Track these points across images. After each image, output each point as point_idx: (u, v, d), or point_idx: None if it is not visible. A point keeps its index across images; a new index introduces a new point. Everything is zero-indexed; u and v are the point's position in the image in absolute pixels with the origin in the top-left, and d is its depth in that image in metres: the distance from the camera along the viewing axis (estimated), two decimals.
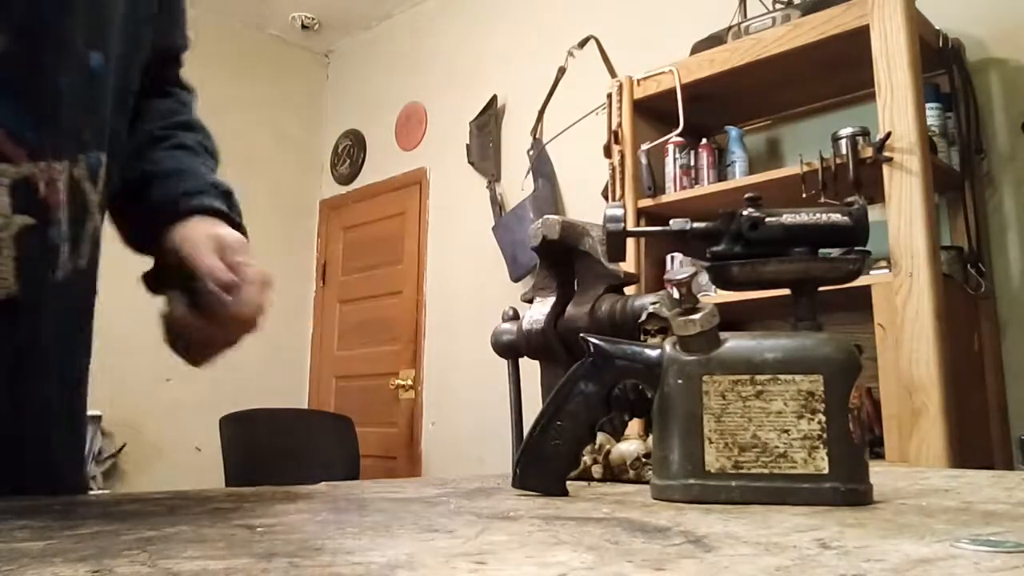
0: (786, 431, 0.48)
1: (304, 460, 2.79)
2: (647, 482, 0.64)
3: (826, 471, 0.47)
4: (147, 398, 3.54)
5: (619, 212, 0.63)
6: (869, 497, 0.48)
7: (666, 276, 0.53)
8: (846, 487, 0.47)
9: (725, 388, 0.48)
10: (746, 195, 0.54)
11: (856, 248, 0.57)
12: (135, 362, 3.00)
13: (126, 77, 0.69)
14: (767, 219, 0.52)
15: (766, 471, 0.47)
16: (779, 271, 0.53)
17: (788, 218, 0.53)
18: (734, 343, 0.50)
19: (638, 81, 2.45)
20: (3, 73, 0.57)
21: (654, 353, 0.52)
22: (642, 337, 0.75)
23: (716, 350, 0.49)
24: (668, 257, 2.40)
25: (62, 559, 0.29)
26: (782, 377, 0.48)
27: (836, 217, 0.54)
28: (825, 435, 0.48)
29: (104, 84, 0.65)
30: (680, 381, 0.50)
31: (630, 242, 2.44)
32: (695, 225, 0.56)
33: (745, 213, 0.53)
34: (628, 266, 1.86)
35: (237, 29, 4.14)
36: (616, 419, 0.76)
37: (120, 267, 0.81)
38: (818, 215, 0.54)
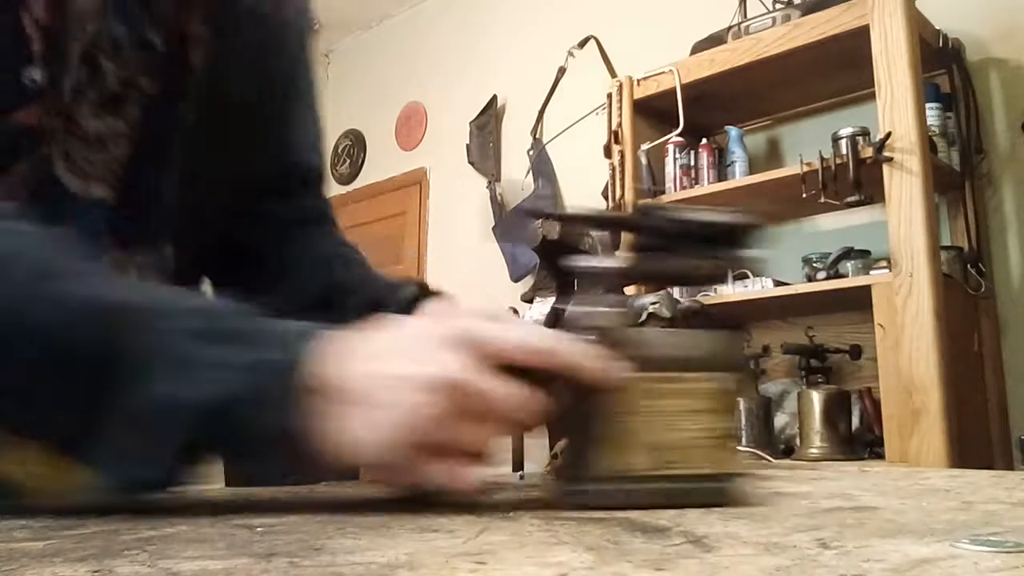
0: (693, 430, 0.46)
1: None
2: None
3: (727, 469, 0.47)
4: None
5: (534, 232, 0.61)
6: (746, 494, 0.48)
7: (585, 263, 0.47)
8: (737, 486, 0.47)
9: (642, 386, 0.46)
10: (650, 188, 0.54)
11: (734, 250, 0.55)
12: None
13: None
14: (674, 215, 0.51)
15: (675, 472, 0.46)
16: (682, 267, 0.52)
17: (691, 215, 0.51)
18: (644, 337, 0.48)
19: (638, 81, 2.45)
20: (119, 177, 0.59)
21: None
22: None
23: (631, 345, 0.46)
24: None
25: (62, 559, 0.29)
26: (690, 375, 0.47)
27: (724, 217, 0.53)
28: (725, 433, 0.47)
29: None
30: None
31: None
32: (607, 213, 0.54)
33: (656, 206, 0.51)
34: None
35: None
36: None
37: None
38: (710, 213, 0.52)
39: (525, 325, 0.55)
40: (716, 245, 0.53)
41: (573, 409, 0.45)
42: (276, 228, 0.75)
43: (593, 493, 0.44)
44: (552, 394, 0.44)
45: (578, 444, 0.45)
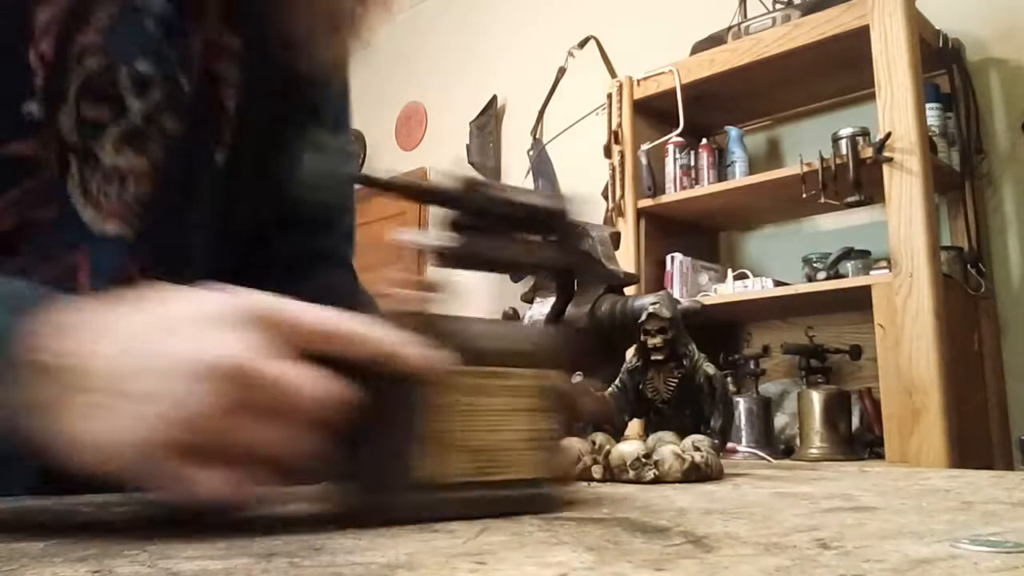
0: (507, 431, 0.42)
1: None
2: (647, 482, 0.64)
3: (538, 475, 0.43)
4: None
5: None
6: (560, 502, 0.44)
7: (406, 236, 0.42)
8: (556, 491, 0.43)
9: (458, 382, 0.40)
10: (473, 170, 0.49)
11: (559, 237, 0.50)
12: None
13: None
14: (503, 195, 0.45)
15: (486, 478, 0.41)
16: (515, 252, 0.47)
17: (515, 195, 0.46)
18: (458, 327, 0.42)
19: (638, 81, 2.46)
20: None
21: None
22: (642, 338, 0.75)
23: (449, 335, 0.40)
24: (668, 257, 2.40)
25: (62, 559, 0.29)
26: (507, 371, 0.42)
27: (548, 202, 0.48)
28: (542, 435, 0.43)
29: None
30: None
31: (629, 242, 2.45)
32: (433, 184, 0.45)
33: (482, 182, 0.45)
34: (628, 266, 1.86)
35: None
36: (616, 419, 0.76)
37: None
38: (536, 197, 0.47)
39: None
40: (544, 231, 0.49)
41: (384, 405, 0.38)
42: (279, 264, 0.74)
43: (402, 503, 0.38)
44: (362, 387, 0.36)
45: (386, 446, 0.38)
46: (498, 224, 0.46)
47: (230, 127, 0.64)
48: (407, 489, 0.38)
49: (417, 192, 0.45)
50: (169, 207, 0.61)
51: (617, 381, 0.76)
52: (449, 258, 0.41)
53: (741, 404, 2.17)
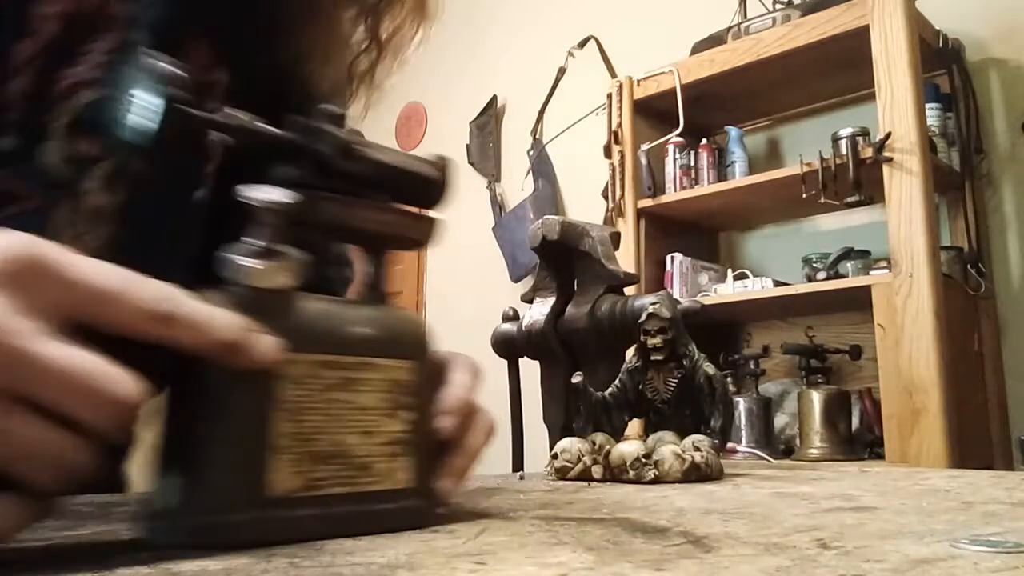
0: (370, 433, 0.35)
1: None
2: (647, 482, 0.64)
3: (410, 485, 0.37)
4: None
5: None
6: (432, 516, 0.38)
7: (253, 194, 0.34)
8: (427, 504, 0.38)
9: (307, 373, 0.33)
10: (324, 109, 0.37)
11: (431, 212, 0.43)
12: None
13: None
14: (358, 148, 0.38)
15: (345, 490, 0.34)
16: (371, 219, 0.39)
17: (381, 154, 0.39)
18: (316, 307, 0.35)
19: (638, 81, 2.46)
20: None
21: None
22: (642, 338, 0.75)
23: (295, 317, 0.34)
24: (668, 257, 2.40)
25: (62, 559, 0.29)
26: (372, 361, 0.36)
27: (424, 167, 0.41)
28: (410, 438, 0.37)
29: None
30: None
31: (629, 242, 2.45)
32: (262, 125, 0.36)
33: (332, 131, 0.37)
34: (628, 266, 1.86)
35: None
36: (616, 419, 0.76)
37: None
38: (407, 160, 0.40)
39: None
40: (417, 201, 0.41)
41: (222, 406, 0.31)
42: None
43: (247, 524, 0.31)
44: (193, 383, 0.31)
45: (226, 456, 0.31)
46: (357, 186, 0.38)
47: (214, 163, 0.63)
48: (253, 507, 0.31)
49: (246, 134, 0.35)
50: (143, 246, 0.58)
51: (617, 381, 0.76)
52: (282, 217, 0.33)
53: (741, 404, 2.17)
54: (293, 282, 0.33)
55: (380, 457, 0.36)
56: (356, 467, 0.35)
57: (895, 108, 1.91)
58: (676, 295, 2.05)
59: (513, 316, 0.89)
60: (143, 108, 0.32)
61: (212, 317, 0.30)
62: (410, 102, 4.03)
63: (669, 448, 0.66)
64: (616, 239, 0.89)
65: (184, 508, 0.31)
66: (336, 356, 0.35)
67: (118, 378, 0.27)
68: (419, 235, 0.41)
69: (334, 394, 0.34)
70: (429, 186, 0.41)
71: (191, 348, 0.29)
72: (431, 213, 0.42)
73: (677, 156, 2.43)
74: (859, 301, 1.94)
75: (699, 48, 2.37)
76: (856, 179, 1.97)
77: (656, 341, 0.74)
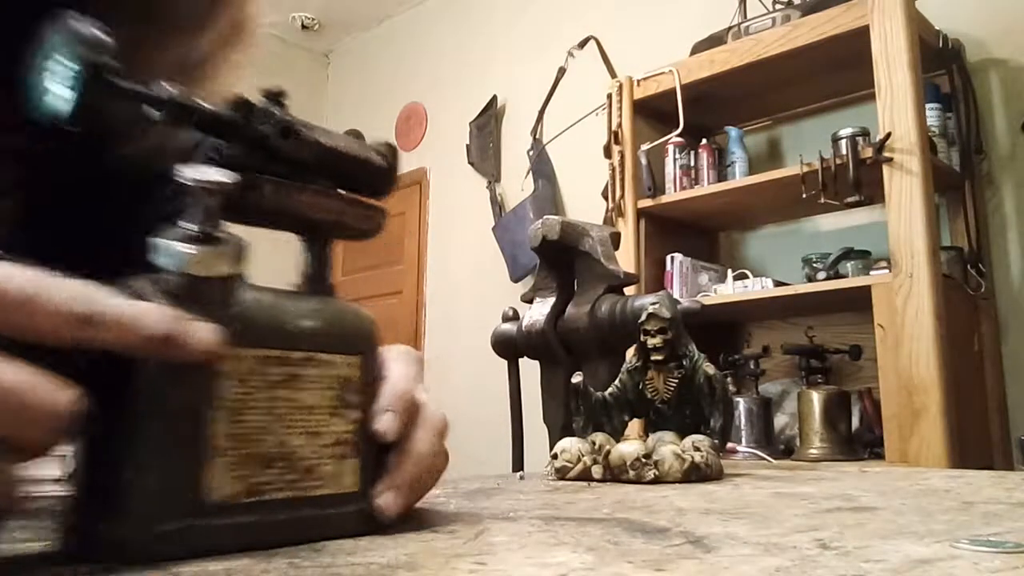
0: (316, 434, 0.33)
1: None
2: (647, 482, 0.64)
3: (355, 488, 0.34)
4: None
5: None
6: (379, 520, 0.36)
7: (190, 174, 0.29)
8: (369, 507, 0.35)
9: (249, 369, 0.31)
10: (267, 90, 0.35)
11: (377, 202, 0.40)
12: None
13: None
14: (302, 130, 0.35)
15: (290, 495, 0.32)
16: (315, 205, 0.36)
17: (324, 138, 0.36)
18: (258, 299, 0.33)
19: (638, 81, 2.46)
20: None
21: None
22: (642, 338, 0.75)
23: (235, 308, 0.31)
24: (668, 257, 2.40)
25: (63, 559, 0.29)
26: (319, 356, 0.34)
27: (370, 154, 0.38)
28: (357, 439, 0.35)
29: None
30: None
31: (629, 242, 2.45)
32: (199, 101, 0.32)
33: (273, 110, 0.34)
34: (628, 266, 1.86)
35: None
36: (616, 419, 0.76)
37: None
38: (354, 145, 0.38)
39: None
40: (360, 188, 0.38)
41: (125, 402, 0.28)
42: None
43: (183, 534, 0.29)
44: (83, 378, 0.27)
45: (129, 459, 0.28)
46: (300, 171, 0.36)
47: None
48: (188, 515, 0.29)
49: (180, 110, 0.31)
50: (55, 240, 0.49)
51: (617, 381, 0.76)
52: (221, 198, 0.30)
53: (741, 404, 2.17)
54: (234, 270, 0.31)
55: (326, 459, 0.34)
56: (301, 470, 0.33)
57: (895, 108, 1.91)
58: (676, 295, 2.05)
59: (513, 316, 0.89)
60: (59, 76, 0.29)
61: (137, 312, 0.27)
62: (410, 102, 4.03)
63: (669, 448, 0.66)
64: (616, 239, 0.89)
65: (110, 517, 0.28)
66: (280, 351, 0.32)
67: (49, 389, 0.25)
68: (365, 224, 0.39)
69: (277, 392, 0.32)
70: (376, 173, 0.39)
71: (118, 348, 0.27)
72: (378, 202, 0.39)
73: (677, 156, 2.43)
74: (859, 301, 1.94)
75: (699, 48, 2.37)
76: (856, 179, 1.97)
77: (656, 341, 0.74)
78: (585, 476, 0.67)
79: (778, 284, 2.17)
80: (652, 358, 0.74)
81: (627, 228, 2.37)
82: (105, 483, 0.28)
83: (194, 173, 0.30)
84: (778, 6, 2.28)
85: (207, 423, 0.30)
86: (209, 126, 0.33)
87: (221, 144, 0.33)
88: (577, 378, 0.76)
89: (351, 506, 0.34)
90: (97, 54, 0.28)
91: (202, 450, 0.29)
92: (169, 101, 0.31)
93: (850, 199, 1.99)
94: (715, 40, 2.33)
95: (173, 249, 0.29)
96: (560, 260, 0.87)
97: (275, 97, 0.35)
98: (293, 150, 0.35)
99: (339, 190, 0.37)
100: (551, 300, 0.86)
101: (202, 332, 0.29)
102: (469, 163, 3.60)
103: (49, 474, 0.31)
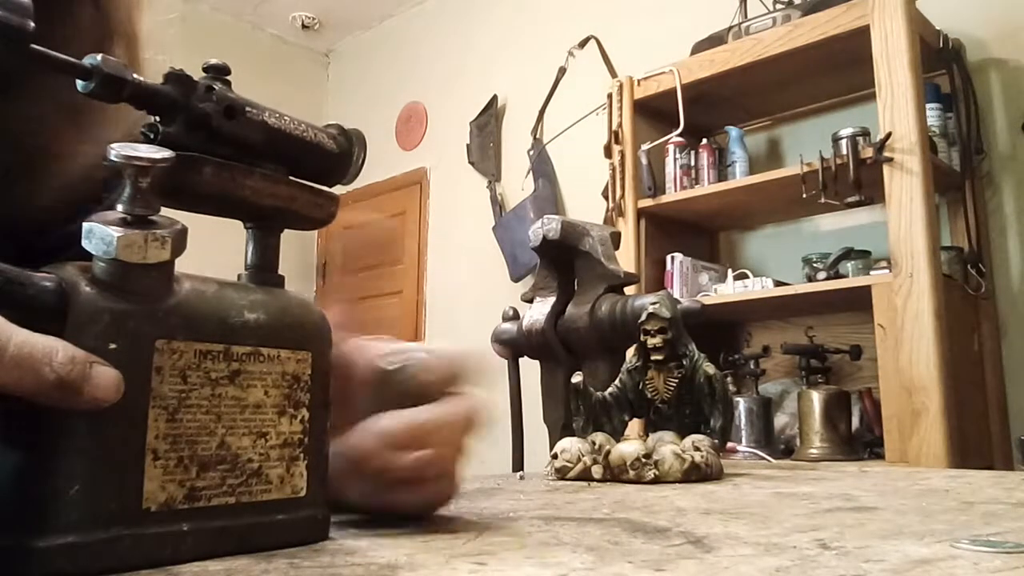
0: (263, 435, 0.31)
1: None
2: (647, 482, 0.64)
3: (304, 492, 0.32)
4: None
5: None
6: (327, 526, 0.34)
7: (120, 151, 0.28)
8: (323, 514, 0.33)
9: (189, 364, 0.29)
10: (207, 63, 0.32)
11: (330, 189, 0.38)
12: None
13: None
14: (249, 109, 0.33)
15: (233, 500, 0.30)
16: (261, 191, 0.33)
17: (273, 119, 0.34)
18: (198, 288, 0.30)
19: (638, 81, 2.46)
20: None
21: (49, 285, 0.27)
22: (642, 338, 0.75)
23: (173, 298, 0.29)
24: (668, 257, 2.40)
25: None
26: (265, 352, 0.31)
27: (323, 138, 0.36)
28: (307, 440, 0.33)
29: None
30: (113, 346, 0.27)
31: (630, 242, 2.45)
32: (136, 77, 0.29)
33: (217, 87, 0.32)
34: (628, 266, 1.86)
35: (237, 28, 4.14)
36: (616, 419, 0.76)
37: None
38: (305, 127, 0.35)
39: None
40: (306, 173, 0.36)
41: (30, 406, 0.25)
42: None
43: (120, 543, 0.26)
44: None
45: (55, 462, 0.26)
46: (247, 154, 0.33)
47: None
48: (122, 524, 0.26)
49: (111, 82, 0.28)
50: None
51: (617, 381, 0.76)
52: (154, 177, 0.28)
53: (741, 404, 2.17)
54: (170, 256, 0.28)
55: (274, 462, 0.31)
56: (246, 473, 0.30)
57: (895, 108, 1.91)
58: (676, 295, 2.05)
59: (513, 316, 0.89)
60: None
61: (38, 353, 0.25)
62: (410, 102, 4.03)
63: (669, 448, 0.66)
64: (616, 239, 0.89)
65: (31, 529, 0.25)
66: (223, 345, 0.30)
67: None
68: (316, 213, 0.36)
69: (220, 389, 0.30)
70: (330, 160, 0.36)
71: (16, 393, 0.24)
72: (331, 190, 0.37)
73: (677, 156, 2.43)
74: (859, 301, 1.94)
75: (699, 48, 2.37)
76: (856, 179, 1.97)
77: (656, 341, 0.74)
78: (585, 476, 0.67)
79: (778, 284, 2.17)
80: (652, 358, 0.75)
81: (627, 228, 2.37)
82: (25, 491, 0.26)
83: (124, 150, 0.28)
84: (778, 6, 2.28)
85: (140, 423, 0.27)
86: (144, 101, 0.30)
87: (157, 122, 0.31)
88: (577, 378, 0.76)
89: (301, 511, 0.32)
90: (21, 17, 0.25)
91: (133, 452, 0.27)
92: (97, 71, 0.28)
93: (850, 199, 1.99)
94: (715, 40, 2.33)
95: (102, 232, 0.27)
96: (560, 260, 0.87)
97: (218, 73, 0.32)
98: (238, 130, 0.32)
99: (291, 176, 0.35)
100: (551, 300, 0.86)
101: (101, 379, 0.26)
102: (469, 163, 3.60)
103: None
